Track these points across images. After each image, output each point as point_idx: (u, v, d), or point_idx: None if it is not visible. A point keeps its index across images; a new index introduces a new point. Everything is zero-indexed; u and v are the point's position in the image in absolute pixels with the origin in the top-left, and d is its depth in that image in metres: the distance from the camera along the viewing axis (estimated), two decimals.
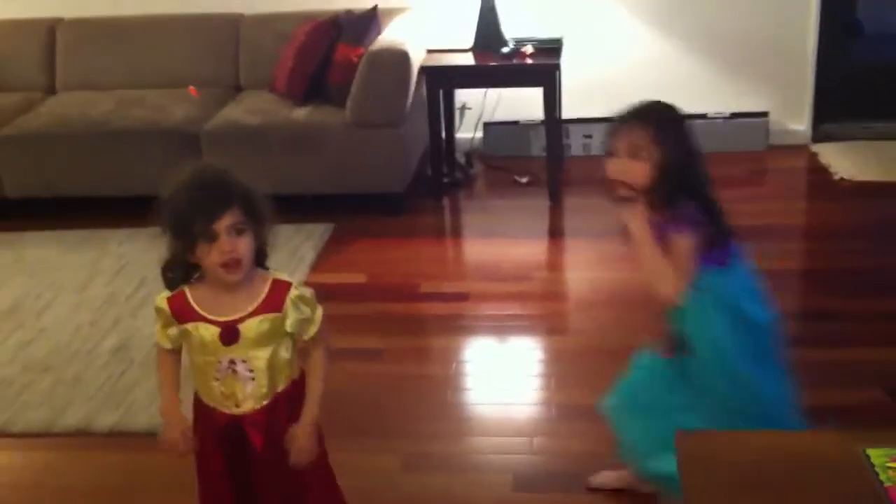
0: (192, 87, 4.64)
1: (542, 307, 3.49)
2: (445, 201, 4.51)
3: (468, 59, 4.46)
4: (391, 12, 4.57)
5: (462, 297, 3.57)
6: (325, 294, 3.55)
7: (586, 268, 3.76)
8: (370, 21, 4.41)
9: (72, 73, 4.86)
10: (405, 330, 3.38)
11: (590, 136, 4.89)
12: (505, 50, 4.38)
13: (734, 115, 4.87)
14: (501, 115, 4.92)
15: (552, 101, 4.35)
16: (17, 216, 4.44)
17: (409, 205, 4.38)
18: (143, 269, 3.86)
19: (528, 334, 3.34)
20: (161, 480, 2.60)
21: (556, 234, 4.20)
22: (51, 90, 4.86)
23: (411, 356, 3.21)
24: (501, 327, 3.37)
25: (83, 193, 4.42)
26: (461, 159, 4.82)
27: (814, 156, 4.77)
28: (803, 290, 3.59)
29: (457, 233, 4.45)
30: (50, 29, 4.89)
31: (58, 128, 4.36)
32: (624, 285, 3.53)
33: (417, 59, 4.31)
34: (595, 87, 4.80)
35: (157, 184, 4.26)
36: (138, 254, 4.01)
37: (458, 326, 3.39)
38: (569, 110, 4.75)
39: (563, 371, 3.07)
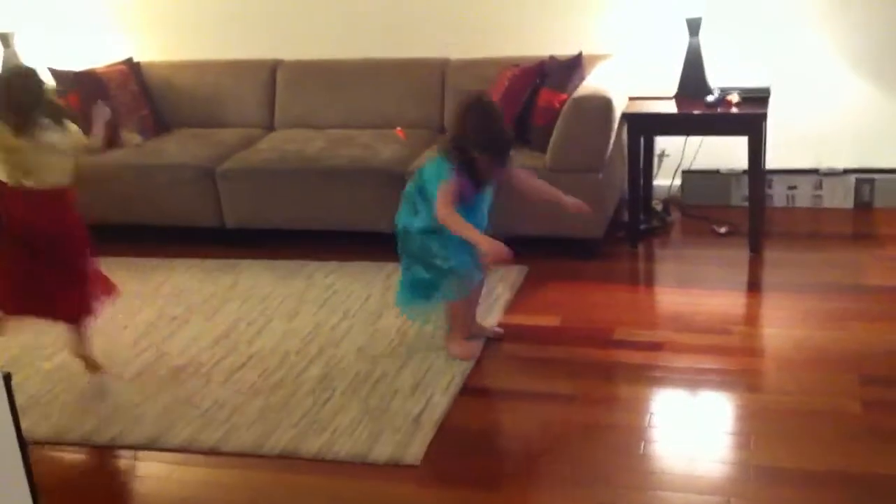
0: (399, 129, 4.84)
1: (739, 362, 3.41)
2: (641, 248, 4.51)
3: (671, 107, 4.45)
4: (594, 59, 4.62)
5: (656, 346, 3.55)
6: (519, 335, 3.68)
7: (788, 324, 3.66)
8: (574, 67, 4.48)
9: (289, 112, 5.17)
10: (598, 376, 3.39)
11: (794, 188, 4.77)
12: (710, 98, 4.34)
13: None
14: (701, 164, 4.87)
15: (757, 150, 4.27)
16: (234, 245, 4.74)
17: (604, 250, 4.40)
18: (346, 302, 4.05)
19: (724, 390, 3.28)
20: None
21: (755, 287, 4.10)
22: (270, 127, 5.18)
23: (603, 404, 3.22)
24: (697, 380, 3.33)
25: (295, 226, 4.68)
26: (658, 206, 4.80)
27: None
28: None
29: (652, 280, 4.42)
30: (272, 70, 5.22)
31: (275, 164, 4.65)
32: (830, 345, 3.43)
33: (620, 105, 4.33)
34: (801, 137, 4.69)
35: (364, 220, 4.49)
36: (343, 287, 4.21)
37: (652, 376, 3.37)
38: (773, 160, 4.65)
39: (761, 431, 2.99)
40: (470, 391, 3.31)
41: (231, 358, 3.65)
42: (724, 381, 3.31)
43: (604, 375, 3.41)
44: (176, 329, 3.94)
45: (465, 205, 3.30)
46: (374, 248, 4.41)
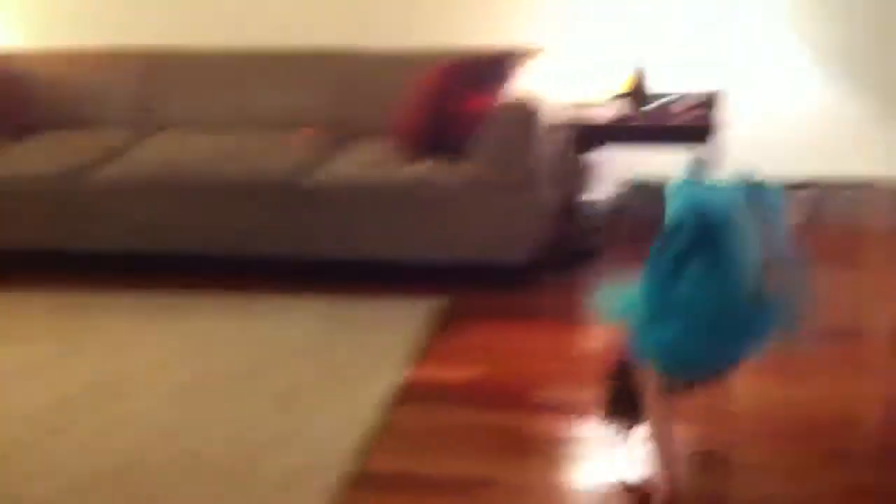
0: (299, 132, 4.18)
1: (706, 435, 2.78)
2: (578, 275, 3.91)
3: (612, 114, 3.84)
4: (526, 55, 4.00)
5: (582, 410, 2.93)
6: (428, 394, 3.05)
7: (757, 377, 3.02)
8: (502, 66, 3.86)
9: (171, 111, 4.47)
10: (517, 453, 2.76)
11: None
12: (655, 104, 3.75)
13: None
14: (646, 174, 4.29)
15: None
16: (106, 272, 4.03)
17: (536, 278, 3.79)
18: (231, 350, 3.38)
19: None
20: None
21: None
22: (145, 129, 4.42)
23: (525, 493, 2.59)
24: (638, 461, 2.71)
25: (170, 251, 3.95)
26: (598, 224, 4.21)
27: None
28: None
29: (587, 317, 3.73)
30: (149, 60, 4.50)
31: (151, 176, 3.94)
32: (812, 406, 2.85)
33: (553, 112, 3.72)
34: (759, 144, 4.12)
35: (256, 241, 3.80)
36: (227, 328, 3.55)
37: (576, 454, 2.76)
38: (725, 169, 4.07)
39: None
40: (364, 481, 2.65)
41: (71, 435, 2.96)
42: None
43: (524, 452, 2.79)
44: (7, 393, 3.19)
45: None
46: (269, 277, 3.84)
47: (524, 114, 3.58)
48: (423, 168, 3.78)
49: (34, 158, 4.15)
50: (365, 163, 3.90)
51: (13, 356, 3.42)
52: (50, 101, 4.51)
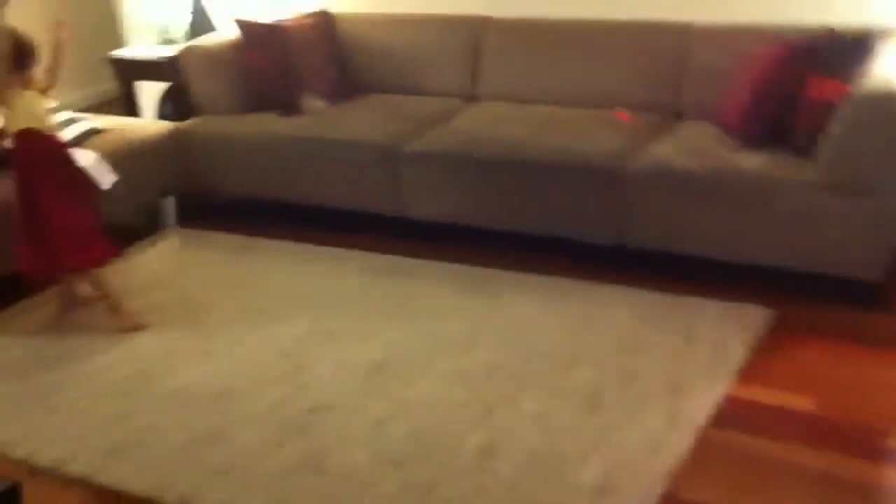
0: (621, 111, 3.89)
1: None
2: None
3: None
4: (888, 34, 3.48)
5: None
6: (754, 421, 2.68)
7: None
8: (860, 47, 3.36)
9: (495, 80, 4.34)
10: None
11: None
12: None
13: None
14: None
15: None
16: (416, 238, 3.97)
17: (888, 299, 3.29)
18: (534, 336, 3.21)
19: None
20: None
21: None
22: (472, 97, 4.35)
23: None
24: None
25: (488, 226, 3.83)
26: None
27: None
28: None
29: None
30: (479, 28, 4.37)
31: (466, 149, 3.81)
32: None
33: None
34: None
35: (570, 225, 3.56)
36: (532, 313, 3.37)
37: None
38: None
39: None
40: None
41: (376, 404, 2.90)
42: None
43: None
44: (325, 351, 3.23)
45: None
46: (580, 262, 3.63)
47: (884, 105, 3.09)
48: (758, 161, 3.39)
49: (355, 122, 4.14)
50: (689, 150, 3.55)
51: (343, 314, 3.44)
52: (375, 65, 4.52)
